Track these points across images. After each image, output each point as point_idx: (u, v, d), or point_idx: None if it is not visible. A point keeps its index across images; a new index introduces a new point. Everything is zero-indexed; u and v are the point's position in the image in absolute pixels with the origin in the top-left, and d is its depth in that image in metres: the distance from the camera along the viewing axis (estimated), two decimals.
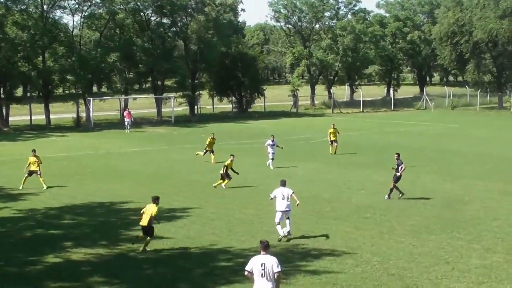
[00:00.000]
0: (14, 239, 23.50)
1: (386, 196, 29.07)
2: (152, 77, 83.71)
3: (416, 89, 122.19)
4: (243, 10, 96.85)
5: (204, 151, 41.76)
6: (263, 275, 13.79)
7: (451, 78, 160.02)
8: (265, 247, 14.15)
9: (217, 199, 29.81)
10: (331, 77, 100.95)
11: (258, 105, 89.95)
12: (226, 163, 33.15)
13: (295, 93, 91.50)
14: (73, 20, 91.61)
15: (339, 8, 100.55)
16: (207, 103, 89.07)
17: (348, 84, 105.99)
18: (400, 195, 28.93)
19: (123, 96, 79.62)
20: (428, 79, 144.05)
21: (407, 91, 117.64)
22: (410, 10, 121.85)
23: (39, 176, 33.26)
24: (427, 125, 67.83)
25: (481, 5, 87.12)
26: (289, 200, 22.72)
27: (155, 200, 21.60)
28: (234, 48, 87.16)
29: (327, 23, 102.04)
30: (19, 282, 18.57)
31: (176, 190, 32.32)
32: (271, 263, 13.88)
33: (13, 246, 22.45)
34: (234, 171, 33.18)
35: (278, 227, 22.66)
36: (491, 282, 17.92)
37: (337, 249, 21.22)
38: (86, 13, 76.67)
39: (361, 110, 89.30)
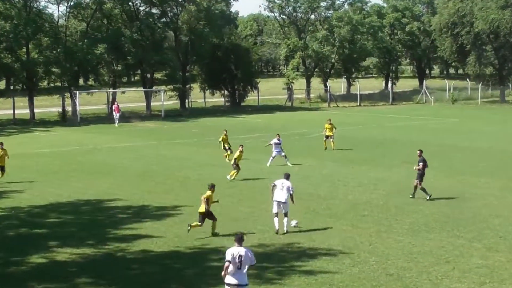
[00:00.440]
0: None
1: (427, 197, 28.26)
2: (141, 70, 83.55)
3: (415, 82, 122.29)
4: (235, 0, 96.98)
5: (226, 149, 40.82)
6: (239, 267, 14.67)
7: (451, 70, 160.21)
8: (240, 239, 14.92)
9: None
10: (327, 70, 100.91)
11: (251, 98, 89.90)
12: (235, 156, 34.19)
13: (290, 86, 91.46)
14: (58, 9, 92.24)
15: None
16: (198, 96, 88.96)
17: (344, 77, 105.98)
18: (427, 196, 28.26)
19: (111, 89, 79.49)
20: (427, 71, 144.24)
21: (406, 84, 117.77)
22: (409, 0, 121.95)
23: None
24: (427, 120, 67.91)
25: None
26: (286, 195, 23.36)
27: (212, 187, 23.50)
28: (227, 39, 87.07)
29: (323, 13, 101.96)
30: (1, 283, 18.49)
31: (166, 188, 32.27)
32: (247, 255, 14.80)
33: None
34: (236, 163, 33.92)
35: (275, 219, 23.10)
36: (493, 283, 17.94)
37: (334, 248, 21.23)
38: (72, 3, 76.44)
39: (358, 104, 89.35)
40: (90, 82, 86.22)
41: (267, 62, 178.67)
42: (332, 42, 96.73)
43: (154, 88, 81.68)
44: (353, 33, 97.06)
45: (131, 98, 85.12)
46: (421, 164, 28.57)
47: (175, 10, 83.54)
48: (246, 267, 14.82)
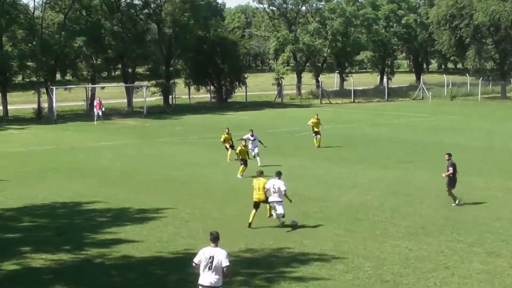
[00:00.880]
0: None
1: (454, 204, 27.67)
2: (122, 64, 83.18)
3: (412, 77, 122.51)
4: None
5: (230, 149, 39.68)
6: (210, 268, 14.83)
7: (450, 65, 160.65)
8: (215, 238, 15.09)
9: (193, 198, 29.65)
10: (319, 64, 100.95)
11: (239, 94, 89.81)
12: (237, 151, 34.86)
13: (280, 82, 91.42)
14: (34, 0, 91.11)
15: None
16: (182, 92, 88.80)
17: (337, 71, 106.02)
18: (455, 202, 27.73)
19: (90, 85, 79.17)
20: (425, 66, 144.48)
21: (402, 79, 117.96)
22: None
23: None
24: (424, 117, 68.01)
25: None
26: (280, 195, 24.40)
27: (261, 173, 25.44)
28: (213, 32, 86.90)
29: (314, 5, 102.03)
30: None
31: (148, 189, 32.14)
32: (220, 256, 14.85)
33: None
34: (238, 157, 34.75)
35: (275, 216, 24.60)
36: None
37: (326, 253, 21.14)
38: None
39: (352, 100, 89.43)
40: (68, 77, 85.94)
41: (256, 56, 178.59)
42: (324, 35, 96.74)
43: (136, 83, 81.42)
44: (346, 25, 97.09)
45: (111, 94, 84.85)
46: (450, 169, 27.75)
47: (159, 1, 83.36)
48: (220, 268, 14.91)
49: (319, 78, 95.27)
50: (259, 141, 38.95)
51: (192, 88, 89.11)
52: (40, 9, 77.80)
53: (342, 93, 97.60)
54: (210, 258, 14.90)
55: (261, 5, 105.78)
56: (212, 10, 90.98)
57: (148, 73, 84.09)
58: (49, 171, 37.62)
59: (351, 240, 22.65)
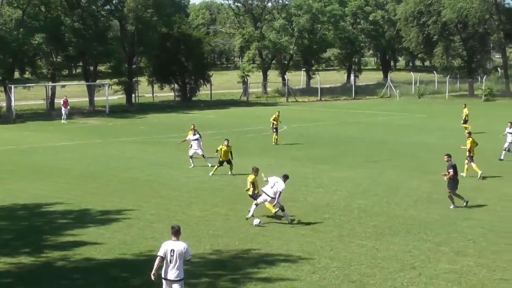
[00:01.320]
0: None
1: (463, 204, 27.58)
2: (83, 62, 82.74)
3: (380, 75, 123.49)
4: None
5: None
6: (171, 261, 15.49)
7: (417, 62, 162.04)
8: (176, 232, 15.72)
9: (157, 199, 29.65)
10: (285, 62, 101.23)
11: (203, 93, 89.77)
12: (218, 148, 35.33)
13: (245, 80, 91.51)
14: None
15: None
16: (146, 91, 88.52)
17: (304, 69, 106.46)
18: (463, 203, 27.60)
19: (50, 83, 78.58)
20: (392, 64, 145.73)
21: (369, 77, 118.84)
22: None
23: None
24: (392, 115, 68.56)
25: None
26: (275, 194, 25.12)
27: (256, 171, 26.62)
28: (177, 29, 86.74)
29: (280, 1, 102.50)
30: None
31: (110, 189, 32.05)
32: (181, 249, 15.52)
33: None
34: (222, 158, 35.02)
35: (254, 207, 25.37)
36: None
37: (293, 254, 21.29)
38: None
39: (319, 99, 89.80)
40: (27, 75, 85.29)
41: (221, 53, 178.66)
42: (291, 32, 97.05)
43: (98, 81, 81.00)
44: (313, 22, 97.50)
45: (72, 92, 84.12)
46: (451, 171, 27.60)
47: None
48: (181, 261, 15.56)
49: (285, 76, 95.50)
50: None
51: (156, 86, 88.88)
52: None
53: (308, 91, 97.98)
54: (171, 251, 15.51)
55: (226, 1, 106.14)
56: (176, 6, 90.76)
57: (110, 71, 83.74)
58: (8, 172, 37.32)
59: (318, 240, 22.82)
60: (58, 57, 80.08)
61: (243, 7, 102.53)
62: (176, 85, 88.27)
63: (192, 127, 39.68)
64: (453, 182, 27.64)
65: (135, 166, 38.49)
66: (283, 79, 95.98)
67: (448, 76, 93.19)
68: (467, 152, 34.54)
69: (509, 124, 39.19)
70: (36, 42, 73.88)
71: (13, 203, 29.34)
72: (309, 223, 25.11)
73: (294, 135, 52.24)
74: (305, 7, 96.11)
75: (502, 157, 38.85)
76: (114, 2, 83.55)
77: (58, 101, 77.19)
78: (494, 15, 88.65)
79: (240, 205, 27.47)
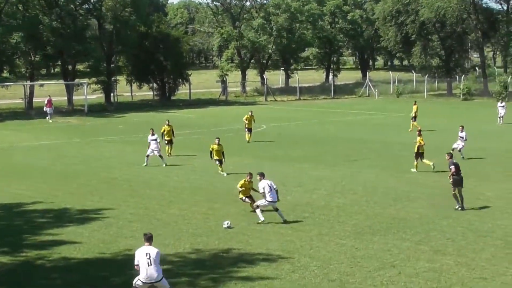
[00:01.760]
0: None
1: (458, 206, 27.20)
2: (61, 61, 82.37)
3: (358, 74, 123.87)
4: None
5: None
6: (150, 263, 16.12)
7: (396, 62, 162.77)
8: (148, 238, 16.53)
9: (136, 198, 29.59)
10: (264, 61, 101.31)
11: (182, 92, 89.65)
12: (210, 148, 35.39)
13: (224, 79, 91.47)
14: None
15: None
16: (124, 90, 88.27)
17: (283, 68, 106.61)
18: (457, 206, 27.17)
19: (28, 82, 78.15)
20: (371, 63, 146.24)
21: (348, 76, 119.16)
22: None
23: None
24: (371, 114, 68.80)
25: None
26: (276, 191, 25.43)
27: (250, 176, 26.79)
28: (155, 28, 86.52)
29: (259, 0, 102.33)
30: None
31: (90, 189, 31.94)
32: (155, 252, 16.26)
33: None
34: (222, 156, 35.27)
35: (258, 211, 25.12)
36: (440, 287, 18.26)
37: (272, 253, 21.32)
38: None
39: (298, 98, 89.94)
40: (5, 74, 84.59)
41: (199, 52, 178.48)
42: (269, 31, 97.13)
43: (76, 81, 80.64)
44: (291, 21, 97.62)
45: (51, 91, 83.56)
46: (452, 167, 27.18)
47: None
48: (158, 263, 16.27)
49: (264, 75, 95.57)
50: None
51: (134, 85, 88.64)
52: None
53: (287, 90, 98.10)
54: (146, 254, 16.18)
55: (205, 1, 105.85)
56: (154, 5, 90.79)
57: (88, 70, 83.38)
58: None
59: (297, 239, 22.85)
60: (37, 56, 79.69)
61: (222, 6, 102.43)
62: (155, 84, 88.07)
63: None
64: (456, 180, 27.24)
65: (114, 166, 38.38)
66: (262, 78, 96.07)
67: (427, 75, 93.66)
68: (417, 149, 35.46)
69: (460, 128, 39.96)
70: (14, 41, 73.48)
71: None
72: (288, 222, 25.13)
73: (273, 134, 52.29)
74: (283, 6, 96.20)
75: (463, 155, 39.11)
76: (92, 1, 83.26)
77: (37, 100, 76.94)
78: (472, 14, 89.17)
79: (220, 204, 27.48)
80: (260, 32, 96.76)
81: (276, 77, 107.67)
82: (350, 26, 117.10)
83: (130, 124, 61.13)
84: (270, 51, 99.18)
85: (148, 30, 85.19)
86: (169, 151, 41.44)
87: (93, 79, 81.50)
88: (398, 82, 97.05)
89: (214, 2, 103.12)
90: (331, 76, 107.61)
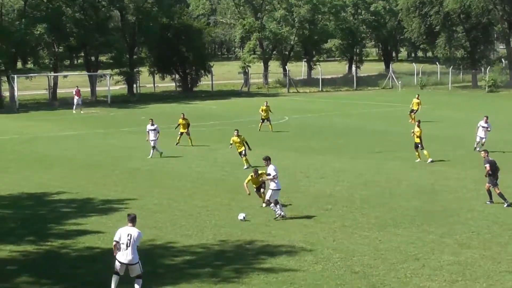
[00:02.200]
0: None
1: (488, 201, 26.83)
2: (84, 52, 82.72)
3: (381, 66, 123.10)
4: None
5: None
6: (128, 245, 16.59)
7: (419, 53, 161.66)
8: (132, 219, 17.00)
9: (160, 189, 29.71)
10: (286, 53, 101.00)
11: (204, 83, 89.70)
12: (231, 141, 35.15)
13: (246, 70, 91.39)
14: None
15: None
16: (147, 81, 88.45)
17: (305, 60, 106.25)
18: (490, 200, 26.83)
19: (52, 73, 78.56)
20: (394, 54, 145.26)
21: (371, 68, 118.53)
22: None
23: None
24: (394, 106, 68.49)
25: None
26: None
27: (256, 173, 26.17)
28: (177, 19, 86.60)
29: None
30: None
31: (113, 179, 32.12)
32: (136, 235, 16.71)
33: None
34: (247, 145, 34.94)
35: (273, 206, 24.48)
36: (465, 280, 18.19)
37: (295, 244, 21.34)
38: None
39: (320, 89, 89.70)
40: (29, 65, 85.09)
41: (221, 44, 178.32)
42: (291, 23, 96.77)
43: (99, 72, 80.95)
44: (313, 12, 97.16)
45: (74, 82, 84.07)
46: (487, 166, 26.68)
47: None
48: (135, 247, 16.72)
49: (286, 66, 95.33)
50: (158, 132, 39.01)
51: (157, 76, 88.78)
52: None
53: (309, 82, 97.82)
54: (128, 235, 16.64)
55: None
56: None
57: (111, 61, 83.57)
58: (12, 161, 37.44)
59: (320, 231, 22.85)
60: (60, 47, 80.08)
61: None
62: (177, 76, 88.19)
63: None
64: (492, 177, 26.72)
65: (137, 156, 38.53)
66: (284, 70, 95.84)
67: (451, 67, 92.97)
68: (418, 139, 36.10)
69: (484, 118, 39.54)
70: (38, 32, 73.73)
71: (18, 192, 29.48)
72: (311, 214, 25.12)
73: (296, 126, 52.25)
74: None
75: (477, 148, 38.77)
76: None
77: (61, 91, 77.36)
78: (498, 5, 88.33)
79: (242, 195, 27.42)
80: (282, 24, 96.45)
81: (298, 69, 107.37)
82: (373, 17, 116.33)
83: (153, 115, 61.04)
84: (292, 42, 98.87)
85: (170, 21, 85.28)
86: (179, 140, 41.97)
87: (116, 70, 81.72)
88: (421, 74, 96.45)
89: None
90: (353, 68, 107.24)
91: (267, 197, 24.87)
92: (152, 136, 38.26)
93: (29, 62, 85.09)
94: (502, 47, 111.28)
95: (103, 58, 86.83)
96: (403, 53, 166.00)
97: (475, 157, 37.68)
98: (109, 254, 20.57)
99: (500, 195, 26.49)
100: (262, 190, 26.37)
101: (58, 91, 77.67)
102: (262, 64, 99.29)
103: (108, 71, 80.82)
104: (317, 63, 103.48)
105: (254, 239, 21.96)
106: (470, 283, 18.03)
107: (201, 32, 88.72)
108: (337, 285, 17.86)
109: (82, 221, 24.43)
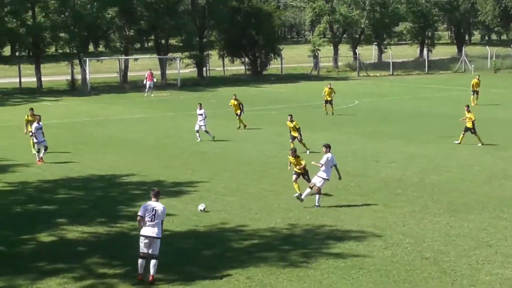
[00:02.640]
0: (2, 215, 23.65)
1: None
2: (155, 35, 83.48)
3: (454, 49, 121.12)
4: None
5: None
6: (153, 219, 16.87)
7: (493, 36, 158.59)
8: (156, 194, 17.31)
9: (228, 172, 29.84)
10: (357, 36, 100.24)
11: (274, 67, 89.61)
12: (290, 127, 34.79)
13: (316, 54, 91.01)
14: None
15: None
16: (217, 64, 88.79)
17: (375, 43, 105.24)
18: None
19: (123, 56, 79.47)
20: (467, 37, 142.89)
21: (443, 51, 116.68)
22: None
23: None
24: (466, 90, 67.25)
25: None
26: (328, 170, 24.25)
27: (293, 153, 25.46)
28: (247, 2, 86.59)
29: None
30: (8, 263, 18.65)
31: (182, 162, 32.39)
32: (161, 209, 17.00)
33: (1, 223, 22.60)
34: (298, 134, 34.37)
35: (318, 196, 24.00)
36: None
37: (364, 229, 21.21)
38: None
39: (391, 73, 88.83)
40: (101, 48, 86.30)
41: (291, 27, 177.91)
42: (362, 6, 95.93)
43: (170, 55, 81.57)
44: None
45: (144, 65, 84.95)
46: None
47: None
48: (159, 221, 16.95)
49: (356, 50, 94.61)
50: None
51: (226, 60, 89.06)
52: None
53: (380, 65, 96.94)
54: (153, 210, 16.90)
55: None
56: None
57: (181, 44, 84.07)
58: (83, 143, 38.04)
59: (389, 216, 22.66)
60: (131, 30, 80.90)
61: None
62: (246, 59, 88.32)
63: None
64: None
65: (207, 139, 38.69)
66: (354, 53, 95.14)
67: None
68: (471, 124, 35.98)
69: None
70: (109, 16, 74.63)
71: (89, 173, 29.97)
72: (380, 199, 24.94)
73: (365, 110, 51.86)
74: None
75: None
76: None
77: (131, 74, 78.24)
78: None
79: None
80: (352, 7, 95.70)
81: (368, 52, 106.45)
82: (446, 0, 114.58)
83: (222, 98, 61.42)
84: (362, 25, 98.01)
85: (240, 4, 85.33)
86: (241, 124, 42.37)
87: (186, 53, 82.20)
88: (495, 57, 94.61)
89: None
90: (425, 51, 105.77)
91: (317, 184, 24.16)
92: (200, 120, 38.49)
93: (101, 46, 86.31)
94: None
95: (173, 41, 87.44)
96: (476, 36, 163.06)
97: None
98: (178, 237, 20.85)
99: None
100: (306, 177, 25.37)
101: (129, 74, 78.58)
102: (332, 47, 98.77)
103: (178, 55, 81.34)
104: (388, 46, 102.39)
105: (323, 224, 21.90)
106: None
107: (271, 16, 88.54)
108: (406, 270, 17.70)
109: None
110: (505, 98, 58.90)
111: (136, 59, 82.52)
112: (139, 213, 17.02)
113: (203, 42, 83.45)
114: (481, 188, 26.56)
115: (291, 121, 34.68)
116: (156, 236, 16.93)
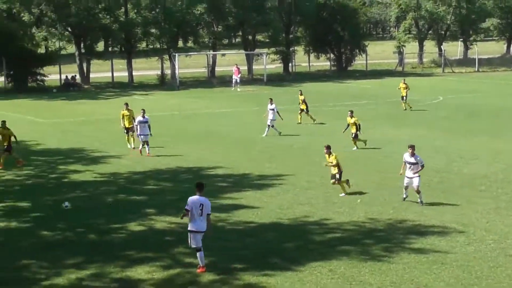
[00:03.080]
0: (94, 205, 24.22)
1: None
2: (242, 31, 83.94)
3: None
4: None
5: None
6: (201, 214, 16.95)
7: None
8: (200, 188, 17.25)
9: (312, 166, 29.78)
10: (442, 32, 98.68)
11: (359, 63, 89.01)
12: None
13: (401, 50, 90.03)
14: None
15: None
16: (302, 60, 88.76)
17: (461, 39, 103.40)
18: None
19: (211, 52, 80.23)
20: None
21: None
22: None
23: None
24: None
25: None
26: (412, 168, 23.58)
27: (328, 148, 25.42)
28: None
29: None
30: (100, 251, 19.10)
31: (267, 156, 32.51)
32: (207, 204, 17.05)
33: (94, 212, 23.15)
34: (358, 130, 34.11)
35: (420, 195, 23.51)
36: None
37: (446, 225, 20.92)
38: None
39: (476, 70, 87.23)
40: (190, 44, 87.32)
41: (376, 23, 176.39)
42: (448, 2, 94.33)
43: (256, 50, 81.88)
44: None
45: (231, 61, 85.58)
46: None
47: None
48: (206, 215, 17.02)
49: (441, 46, 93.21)
50: (278, 112, 39.08)
51: (312, 55, 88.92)
52: None
53: (465, 62, 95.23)
54: (200, 205, 16.95)
55: None
56: None
57: (268, 40, 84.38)
58: (172, 136, 38.54)
59: (473, 212, 22.30)
60: (219, 26, 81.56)
61: None
62: (332, 55, 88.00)
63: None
64: None
65: (291, 134, 38.71)
66: (440, 49, 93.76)
67: None
68: None
69: None
70: (198, 12, 75.47)
71: (177, 166, 30.42)
72: (464, 195, 24.54)
73: (450, 106, 51.05)
74: None
75: None
76: None
77: (218, 69, 78.86)
78: None
79: (392, 174, 27.04)
80: (438, 3, 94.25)
81: (454, 48, 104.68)
82: None
83: (307, 94, 61.19)
84: (448, 22, 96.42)
85: (326, 1, 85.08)
86: (311, 118, 42.66)
87: (272, 49, 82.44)
88: None
89: None
90: None
91: (417, 183, 23.46)
92: (270, 115, 38.46)
93: (190, 41, 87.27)
94: None
95: (260, 37, 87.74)
96: None
97: None
98: (262, 229, 20.95)
99: None
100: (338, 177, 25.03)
101: (216, 69, 79.25)
102: (417, 43, 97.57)
103: (265, 50, 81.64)
104: (474, 42, 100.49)
105: (406, 219, 21.70)
106: None
107: (356, 12, 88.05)
108: (490, 267, 17.39)
109: (237, 195, 24.89)
110: None
111: (223, 55, 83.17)
112: (186, 207, 17.10)
113: (289, 38, 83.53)
114: None
115: (351, 116, 34.33)
116: (203, 230, 17.18)
